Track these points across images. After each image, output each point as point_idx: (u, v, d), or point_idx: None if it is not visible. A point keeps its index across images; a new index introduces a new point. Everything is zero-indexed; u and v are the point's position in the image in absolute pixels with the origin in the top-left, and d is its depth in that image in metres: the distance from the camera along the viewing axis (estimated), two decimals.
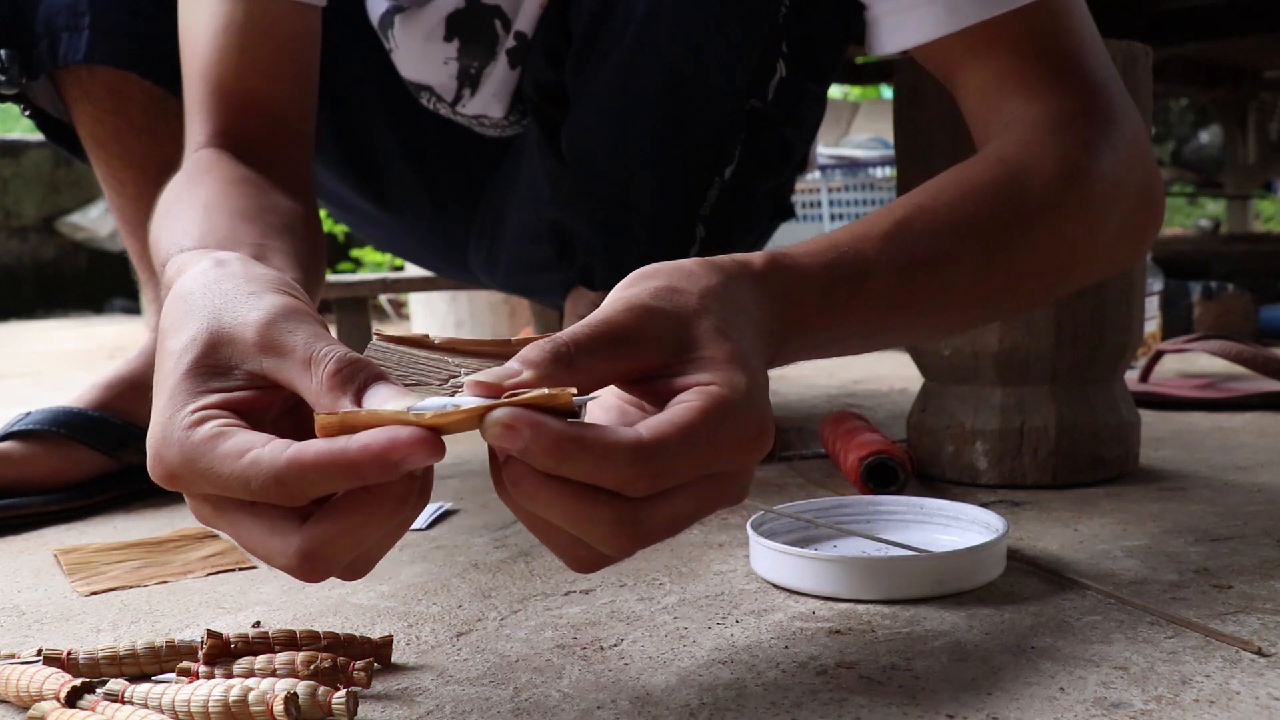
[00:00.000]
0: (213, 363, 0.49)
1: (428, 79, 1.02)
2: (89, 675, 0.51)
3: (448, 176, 1.17)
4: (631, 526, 0.45)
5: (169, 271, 0.57)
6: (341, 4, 1.02)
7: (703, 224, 0.96)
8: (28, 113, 1.00)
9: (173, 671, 0.52)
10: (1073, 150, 0.64)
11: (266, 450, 0.44)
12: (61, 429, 0.91)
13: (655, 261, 1.05)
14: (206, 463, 0.46)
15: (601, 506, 0.44)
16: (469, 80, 1.01)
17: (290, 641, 0.53)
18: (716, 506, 0.48)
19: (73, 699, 0.47)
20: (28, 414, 0.92)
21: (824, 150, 2.04)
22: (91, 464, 0.92)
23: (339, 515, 0.45)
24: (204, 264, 0.54)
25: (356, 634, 0.54)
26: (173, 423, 0.47)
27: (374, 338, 0.51)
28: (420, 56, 1.00)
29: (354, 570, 0.48)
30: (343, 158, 1.16)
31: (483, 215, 1.20)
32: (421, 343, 0.51)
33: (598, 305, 1.27)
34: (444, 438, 0.44)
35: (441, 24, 0.97)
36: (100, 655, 0.52)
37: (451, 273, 1.36)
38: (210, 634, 0.51)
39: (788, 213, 1.11)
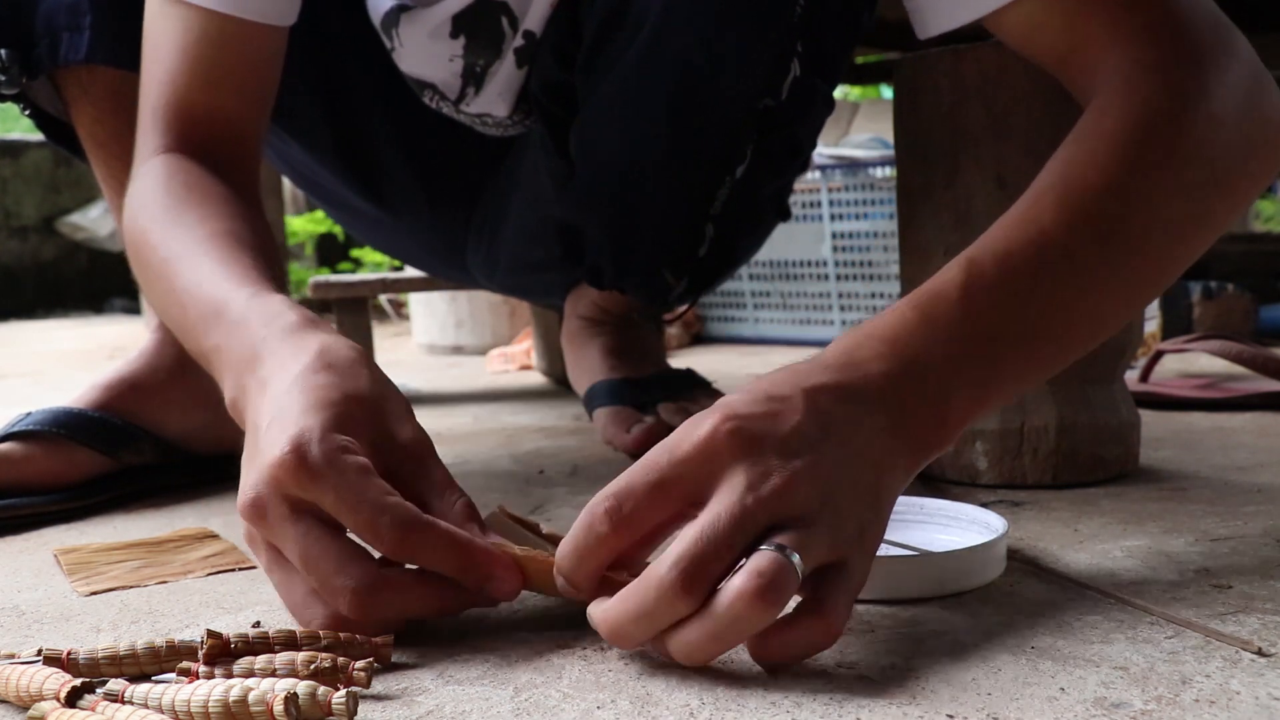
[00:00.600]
0: (360, 422, 0.56)
1: (431, 76, 1.02)
2: (89, 675, 0.51)
3: (447, 176, 1.17)
4: (659, 571, 0.48)
5: (272, 303, 0.64)
6: (342, 4, 1.02)
7: (712, 224, 0.95)
8: (28, 112, 1.00)
9: (173, 671, 0.52)
10: (1155, 98, 0.60)
11: (409, 504, 0.53)
12: (62, 430, 0.91)
13: (664, 261, 1.08)
14: (352, 479, 0.52)
15: (640, 579, 0.49)
16: (474, 79, 1.01)
17: (290, 641, 0.53)
18: (739, 527, 0.49)
19: (73, 699, 0.47)
20: (28, 414, 0.92)
21: (824, 150, 2.04)
22: (91, 465, 0.92)
23: (412, 576, 0.54)
24: (342, 341, 0.61)
25: (356, 634, 0.54)
26: (328, 438, 0.53)
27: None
28: (425, 54, 0.99)
29: (361, 611, 0.53)
30: (341, 158, 1.15)
31: (482, 215, 1.19)
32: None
33: (599, 306, 1.28)
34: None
35: (448, 22, 0.96)
36: (100, 655, 0.52)
37: (449, 274, 1.36)
38: (210, 634, 0.51)
39: (785, 213, 1.11)
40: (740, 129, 0.91)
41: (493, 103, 1.03)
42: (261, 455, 0.54)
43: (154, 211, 0.77)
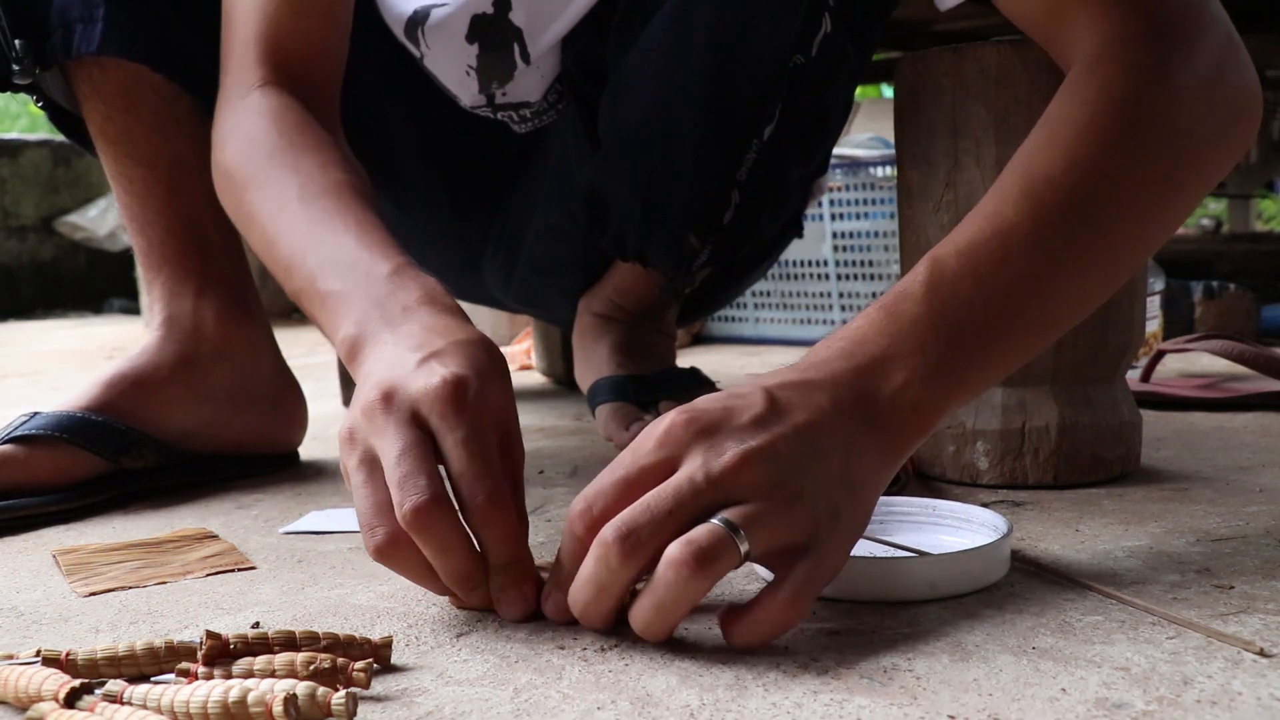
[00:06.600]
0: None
1: (457, 84, 1.01)
2: (88, 676, 0.50)
3: (469, 183, 1.17)
4: (602, 535, 0.52)
5: (414, 281, 0.68)
6: (361, 11, 1.02)
7: (738, 190, 0.95)
8: (40, 104, 0.99)
9: (172, 672, 0.52)
10: (1119, 77, 0.61)
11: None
12: (64, 434, 0.90)
13: (690, 225, 1.11)
14: (484, 430, 0.57)
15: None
16: (496, 62, 1.01)
17: (289, 642, 0.53)
18: (680, 498, 0.52)
19: (71, 700, 0.47)
20: (31, 417, 0.91)
21: None
22: (92, 468, 0.91)
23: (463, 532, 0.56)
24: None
25: (356, 635, 0.54)
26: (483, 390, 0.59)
27: None
28: (450, 52, 1.00)
29: (385, 540, 0.56)
30: (361, 160, 1.15)
31: (502, 221, 1.19)
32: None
33: (614, 302, 1.27)
34: None
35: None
36: (99, 656, 0.52)
37: (459, 287, 1.35)
38: (209, 635, 0.51)
39: (797, 229, 1.11)
40: (771, 86, 0.90)
41: (532, 86, 1.02)
42: (416, 374, 0.58)
43: (267, 149, 0.78)
